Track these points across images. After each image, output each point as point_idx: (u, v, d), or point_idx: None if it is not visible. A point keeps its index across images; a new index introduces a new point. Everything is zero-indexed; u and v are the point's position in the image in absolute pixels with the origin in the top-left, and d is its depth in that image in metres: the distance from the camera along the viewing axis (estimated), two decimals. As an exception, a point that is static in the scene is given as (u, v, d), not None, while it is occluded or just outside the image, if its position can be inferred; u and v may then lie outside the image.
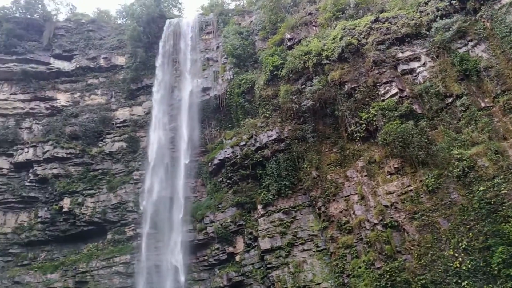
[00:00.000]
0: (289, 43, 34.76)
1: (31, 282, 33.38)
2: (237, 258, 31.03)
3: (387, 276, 23.03)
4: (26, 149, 38.16)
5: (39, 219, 35.91)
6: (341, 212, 27.71)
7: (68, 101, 41.08)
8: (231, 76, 36.94)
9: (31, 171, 37.55)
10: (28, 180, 37.27)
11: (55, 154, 37.53)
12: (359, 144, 28.63)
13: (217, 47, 40.80)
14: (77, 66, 42.36)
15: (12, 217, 36.56)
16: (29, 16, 44.07)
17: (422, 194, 24.01)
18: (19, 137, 39.13)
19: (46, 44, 42.89)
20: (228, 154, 33.07)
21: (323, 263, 28.16)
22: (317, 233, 28.85)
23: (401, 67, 28.25)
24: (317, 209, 29.03)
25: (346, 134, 29.49)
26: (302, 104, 30.67)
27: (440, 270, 21.84)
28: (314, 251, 28.67)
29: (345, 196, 27.88)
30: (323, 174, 29.28)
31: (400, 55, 28.48)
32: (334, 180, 28.61)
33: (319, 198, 28.79)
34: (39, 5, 44.88)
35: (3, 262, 34.97)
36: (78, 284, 33.00)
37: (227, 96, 36.57)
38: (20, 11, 44.44)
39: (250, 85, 35.33)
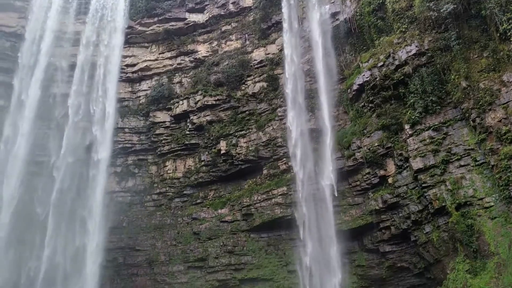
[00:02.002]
0: None
1: (206, 217, 37.85)
2: (390, 180, 30.88)
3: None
4: (181, 102, 42.00)
5: (202, 163, 39.90)
6: (499, 121, 25.44)
7: (207, 51, 43.52)
8: (359, -5, 35.07)
9: (188, 120, 41.45)
10: (187, 129, 41.28)
11: (205, 103, 40.64)
12: (514, 43, 25.42)
13: (340, -33, 38.69)
14: (210, 16, 44.18)
15: (180, 163, 41.27)
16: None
17: None
18: (173, 92, 43.10)
19: (180, 1, 45.27)
20: (367, 78, 32.14)
21: (484, 178, 26.59)
22: (473, 146, 27.08)
23: None
24: (471, 122, 27.06)
25: (498, 35, 26.31)
26: (441, 10, 27.94)
27: None
28: (473, 166, 27.10)
29: (503, 104, 25.42)
30: (474, 83, 26.89)
31: None
32: (488, 87, 26.14)
33: (473, 110, 26.71)
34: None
35: (181, 202, 40.04)
36: (245, 216, 36.47)
37: (358, 17, 34.93)
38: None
39: (381, 1, 33.15)
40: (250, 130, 38.70)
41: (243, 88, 40.57)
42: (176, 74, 44.08)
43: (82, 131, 39.69)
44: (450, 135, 28.08)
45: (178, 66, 44.16)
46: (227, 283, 35.02)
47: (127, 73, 44.35)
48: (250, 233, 36.09)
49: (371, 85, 31.86)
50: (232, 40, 42.89)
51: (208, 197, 39.43)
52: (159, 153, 41.83)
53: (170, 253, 37.07)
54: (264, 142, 37.71)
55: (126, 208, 39.77)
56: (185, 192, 40.34)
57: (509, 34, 25.64)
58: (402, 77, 30.10)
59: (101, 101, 40.39)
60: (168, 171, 41.06)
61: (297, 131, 35.37)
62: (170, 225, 38.51)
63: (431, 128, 28.62)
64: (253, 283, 34.68)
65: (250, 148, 37.97)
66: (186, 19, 44.70)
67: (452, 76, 27.99)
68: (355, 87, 33.35)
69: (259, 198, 36.16)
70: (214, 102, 40.57)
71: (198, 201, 39.49)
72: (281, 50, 39.21)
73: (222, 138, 39.18)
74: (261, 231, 35.88)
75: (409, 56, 29.85)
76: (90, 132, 39.34)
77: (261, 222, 35.35)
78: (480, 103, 26.26)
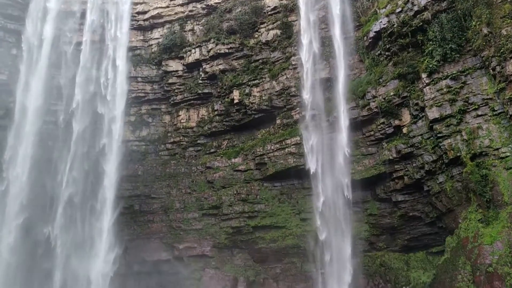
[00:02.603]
0: None
1: (220, 166, 38.23)
2: (404, 130, 30.55)
3: None
4: (193, 50, 41.38)
5: (215, 112, 39.81)
6: (521, 70, 24.69)
7: (219, -3, 42.38)
8: None
9: (200, 69, 41.00)
10: (200, 79, 40.91)
11: (218, 51, 39.96)
12: (541, -13, 24.17)
13: None
14: (221, -41, 42.69)
15: (194, 113, 41.24)
16: None
17: None
18: (185, 40, 42.39)
19: None
20: (384, 24, 31.12)
21: (501, 128, 26.15)
22: (492, 96, 26.46)
23: None
24: (491, 70, 26.28)
25: (524, -22, 25.05)
26: (464, -49, 26.61)
27: None
28: (490, 116, 26.61)
29: (525, 51, 24.58)
30: (496, 29, 25.86)
31: None
32: (511, 34, 25.16)
33: (493, 58, 25.86)
34: None
35: (195, 152, 40.38)
36: (258, 166, 36.73)
37: (376, -41, 33.43)
38: None
39: None
40: (263, 79, 38.22)
41: (256, 36, 39.70)
42: (188, 22, 43.20)
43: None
44: (468, 84, 27.39)
45: (189, 13, 43.19)
46: (241, 230, 35.84)
47: (138, 20, 43.57)
48: (263, 182, 36.49)
49: (388, 32, 30.90)
50: (245, -15, 41.51)
51: (222, 147, 39.64)
52: (172, 102, 41.76)
53: (185, 201, 37.84)
54: (277, 91, 37.31)
55: (141, 157, 40.30)
56: (198, 141, 40.56)
57: (536, -23, 24.37)
58: (421, 23, 29.11)
59: (112, 50, 40.01)
60: (182, 121, 41.15)
61: (311, 80, 34.83)
62: (184, 174, 39.06)
63: (449, 77, 27.92)
64: (266, 230, 35.44)
65: (263, 98, 37.65)
66: (197, -37, 43.25)
67: (473, 23, 26.95)
68: (371, 34, 32.40)
69: (272, 147, 36.24)
70: (226, 51, 39.88)
71: (212, 150, 39.76)
72: (296, -5, 37.90)
73: (235, 88, 38.82)
74: (274, 180, 36.23)
75: (429, 2, 28.75)
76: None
77: (274, 172, 35.63)
78: (501, 50, 25.38)
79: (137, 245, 36.70)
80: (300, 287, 33.37)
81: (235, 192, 36.61)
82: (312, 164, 33.52)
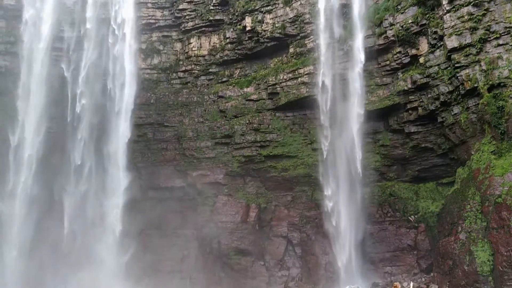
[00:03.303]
0: None
1: (232, 95, 38.02)
2: (421, 60, 29.67)
3: None
4: (204, -26, 39.75)
5: (227, 40, 38.90)
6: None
7: None
8: None
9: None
10: (212, 4, 39.58)
11: (230, -25, 38.39)
12: None
13: None
14: None
15: (205, 41, 40.37)
16: None
17: None
18: (196, -37, 40.59)
19: None
20: None
21: (521, 57, 25.31)
22: (515, 24, 25.37)
23: None
24: (516, -4, 25.01)
25: None
26: None
27: None
28: (511, 45, 25.70)
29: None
30: (526, -49, 24.27)
31: None
32: (541, -43, 23.65)
33: (520, -18, 24.50)
34: None
35: (207, 81, 40.03)
36: (271, 95, 36.45)
37: None
38: None
39: None
40: (277, 6, 36.87)
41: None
42: None
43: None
44: (491, 11, 26.20)
45: None
46: (253, 159, 36.32)
47: None
48: (275, 111, 36.39)
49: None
50: None
51: (234, 76, 39.18)
52: (183, 29, 40.76)
53: (197, 130, 38.12)
54: (291, 18, 36.10)
55: (153, 86, 40.13)
56: (210, 70, 40.04)
57: None
58: None
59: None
60: (193, 48, 40.36)
61: (326, 6, 33.53)
62: (196, 103, 39.01)
63: (471, 3, 26.68)
64: (278, 159, 35.87)
65: (276, 25, 36.54)
66: None
67: None
68: (391, -44, 30.64)
69: (285, 77, 35.73)
70: (238, -26, 38.24)
71: (224, 79, 39.36)
72: None
73: (247, 14, 37.60)
74: (286, 110, 36.09)
75: None
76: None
77: (286, 101, 35.40)
78: (529, -25, 23.96)
79: (151, 172, 37.59)
80: (310, 214, 34.28)
81: (247, 121, 36.69)
82: (323, 95, 33.23)
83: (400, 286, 11.49)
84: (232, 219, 35.22)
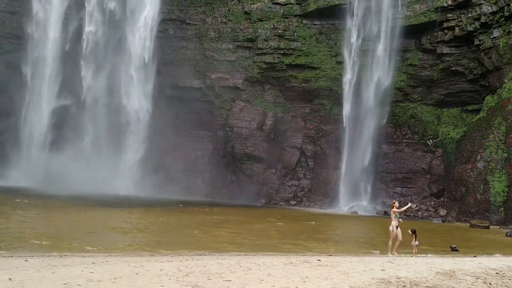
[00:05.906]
0: None
1: None
2: (468, -26, 27.34)
3: None
4: None
5: None
6: None
7: None
8: None
9: None
10: None
11: None
12: None
13: None
14: None
15: None
16: None
17: None
18: None
19: None
20: None
21: None
22: None
23: None
24: None
25: None
26: None
27: None
28: None
29: None
30: None
31: None
32: None
33: None
34: None
35: None
36: (299, 0, 34.40)
37: None
38: None
39: None
40: None
41: None
42: None
43: None
44: None
45: None
46: (274, 66, 35.24)
47: None
48: (302, 18, 34.60)
49: None
50: None
51: None
52: None
53: (219, 30, 36.63)
54: None
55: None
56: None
57: None
58: None
59: None
60: None
61: None
62: (221, 1, 37.06)
63: None
64: (300, 69, 34.76)
65: None
66: None
67: None
68: None
69: None
70: None
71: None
72: None
73: None
74: (314, 17, 34.28)
75: None
76: None
77: (315, 8, 33.51)
78: None
79: (170, 70, 36.78)
80: (327, 128, 33.94)
81: (272, 26, 35.07)
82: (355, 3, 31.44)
83: (398, 205, 11.57)
84: (248, 125, 35.06)
